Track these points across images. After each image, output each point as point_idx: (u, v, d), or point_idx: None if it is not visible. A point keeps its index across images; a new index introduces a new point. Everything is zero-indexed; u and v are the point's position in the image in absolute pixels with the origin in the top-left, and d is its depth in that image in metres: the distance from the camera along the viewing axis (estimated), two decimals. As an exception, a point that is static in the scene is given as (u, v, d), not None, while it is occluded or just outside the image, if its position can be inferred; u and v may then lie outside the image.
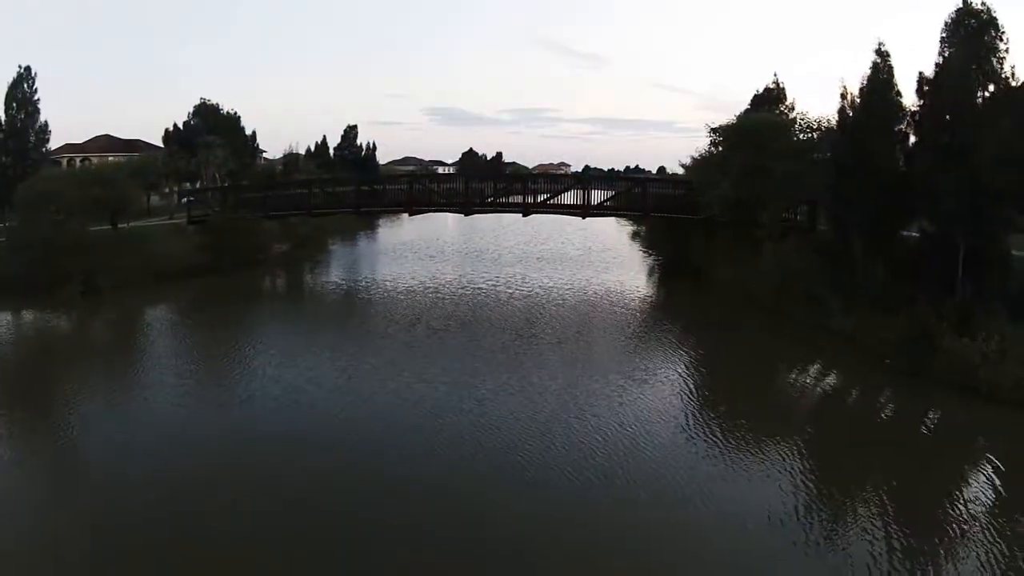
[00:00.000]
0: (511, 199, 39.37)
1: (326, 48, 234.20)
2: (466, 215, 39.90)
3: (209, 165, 48.88)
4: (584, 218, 38.43)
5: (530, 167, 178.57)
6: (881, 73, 25.82)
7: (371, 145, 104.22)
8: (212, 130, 60.09)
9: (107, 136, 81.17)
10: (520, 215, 38.88)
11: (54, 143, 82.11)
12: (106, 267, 32.99)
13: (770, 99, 59.19)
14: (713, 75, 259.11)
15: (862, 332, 23.41)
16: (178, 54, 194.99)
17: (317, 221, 46.84)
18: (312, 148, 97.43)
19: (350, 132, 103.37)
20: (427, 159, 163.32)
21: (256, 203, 40.82)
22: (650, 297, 33.96)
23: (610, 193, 37.70)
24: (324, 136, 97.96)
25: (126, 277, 33.27)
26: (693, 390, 19.73)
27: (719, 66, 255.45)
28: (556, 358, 22.22)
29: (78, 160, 72.82)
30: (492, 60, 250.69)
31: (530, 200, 37.72)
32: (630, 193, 37.43)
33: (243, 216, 40.40)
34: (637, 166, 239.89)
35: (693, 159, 48.35)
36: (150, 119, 67.42)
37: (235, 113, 63.44)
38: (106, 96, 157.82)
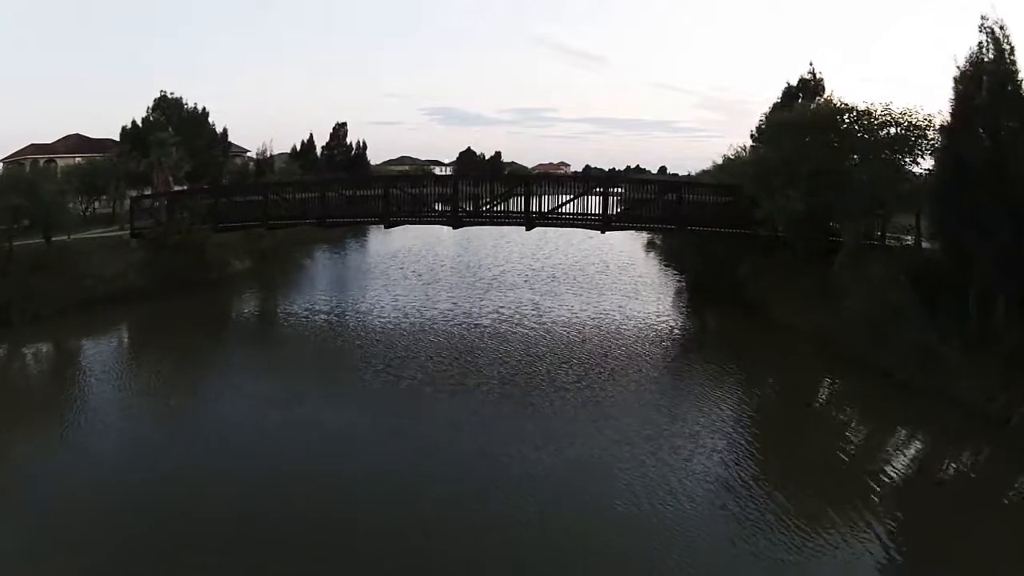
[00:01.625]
0: (511, 206, 31.54)
1: (323, 46, 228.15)
2: (455, 228, 32.72)
3: (161, 167, 41.95)
4: (603, 232, 31.21)
5: (529, 167, 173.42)
6: (1007, 53, 19.38)
7: (361, 144, 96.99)
8: (176, 127, 53.57)
9: (77, 135, 74.96)
10: (522, 227, 31.62)
11: (20, 143, 76.11)
12: (24, 292, 26.72)
13: (807, 91, 53.22)
14: (712, 75, 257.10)
15: (1004, 406, 16.66)
16: (164, 50, 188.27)
17: (287, 231, 40.24)
18: (297, 147, 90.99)
19: (339, 130, 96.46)
20: (424, 159, 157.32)
21: (204, 211, 34.01)
22: (697, 340, 26.30)
23: (633, 198, 30.63)
24: (311, 134, 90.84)
25: (47, 304, 26.94)
26: (770, 490, 13.41)
27: (718, 66, 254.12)
28: (589, 436, 15.74)
29: (42, 162, 67.12)
30: (491, 59, 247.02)
31: (534, 208, 30.46)
32: (660, 200, 30.26)
33: (188, 227, 33.80)
34: (638, 166, 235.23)
35: (728, 159, 41.57)
36: (130, 118, 62.12)
37: (201, 108, 56.74)
38: (84, 93, 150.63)
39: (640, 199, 30.52)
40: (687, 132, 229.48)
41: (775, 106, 55.65)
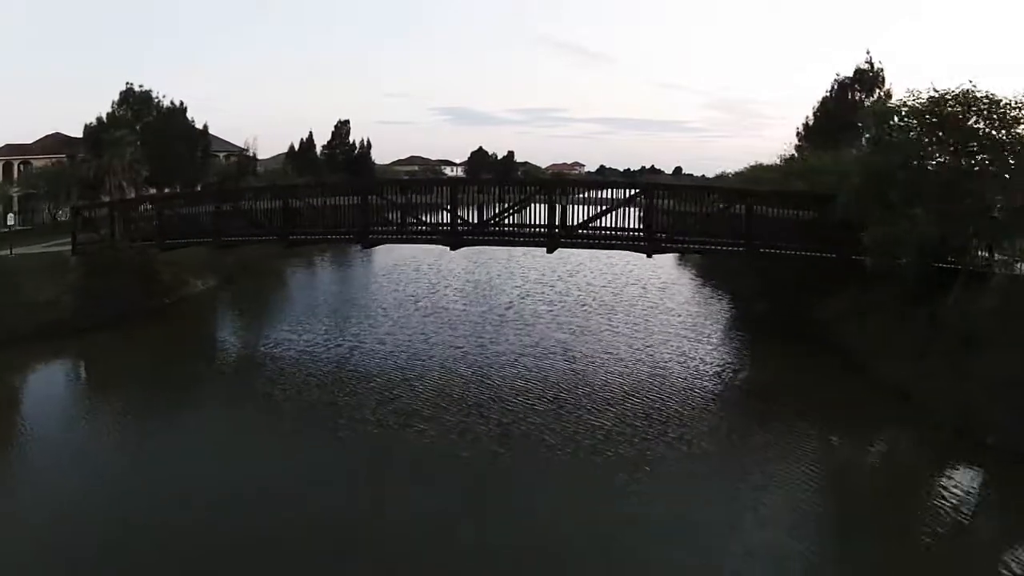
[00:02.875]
0: (526, 216, 24.05)
1: (329, 45, 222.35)
2: (453, 248, 25.26)
3: (113, 171, 35.55)
4: (650, 255, 24.08)
5: (543, 167, 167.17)
6: None
7: (365, 143, 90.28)
8: (147, 124, 47.41)
9: (56, 134, 68.80)
10: (541, 247, 24.13)
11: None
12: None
13: (864, 83, 47.51)
14: (719, 75, 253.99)
15: None
16: (163, 50, 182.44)
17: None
18: (296, 146, 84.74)
19: (341, 128, 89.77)
20: (434, 159, 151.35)
21: (149, 224, 27.82)
22: (780, 408, 18.32)
23: (686, 210, 23.40)
24: (310, 132, 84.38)
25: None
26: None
27: (725, 66, 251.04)
28: None
29: (16, 163, 61.42)
30: (500, 59, 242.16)
31: (558, 222, 23.30)
32: (724, 214, 22.92)
33: (130, 244, 27.77)
34: (652, 166, 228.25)
35: (787, 159, 34.98)
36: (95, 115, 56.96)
37: (178, 103, 50.32)
38: (83, 94, 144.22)
39: (695, 212, 23.14)
40: (697, 132, 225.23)
41: (824, 100, 50.21)
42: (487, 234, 23.53)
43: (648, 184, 25.23)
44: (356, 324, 26.75)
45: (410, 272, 38.19)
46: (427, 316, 27.77)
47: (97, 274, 27.90)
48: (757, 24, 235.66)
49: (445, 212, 24.31)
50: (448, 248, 24.32)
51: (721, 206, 22.58)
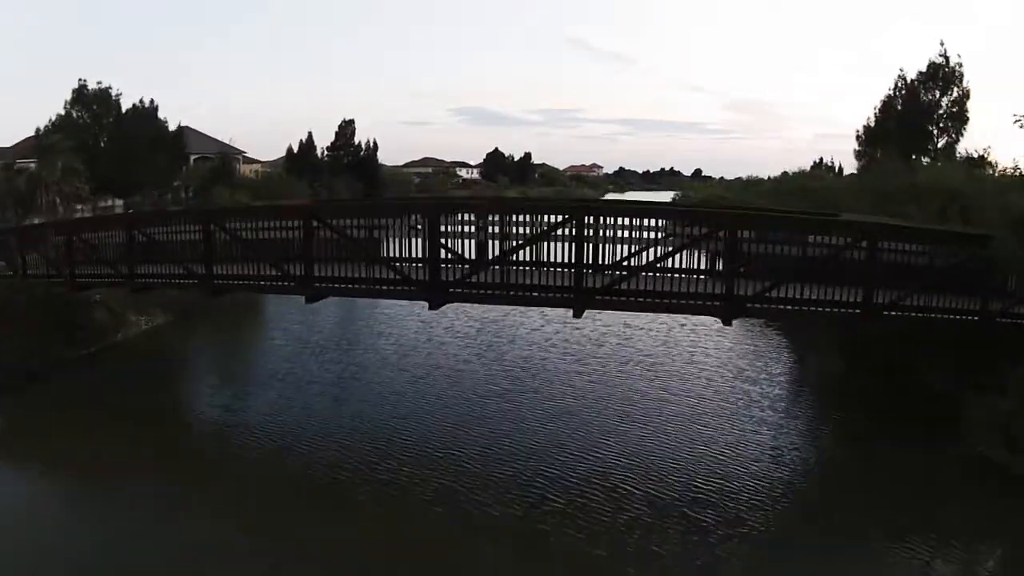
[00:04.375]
0: (541, 251, 16.53)
1: (345, 45, 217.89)
2: (433, 307, 17.90)
3: (45, 184, 29.52)
4: (728, 322, 16.32)
5: (560, 168, 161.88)
6: None
7: (371, 144, 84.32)
8: (109, 127, 41.63)
9: (35, 138, 63.64)
10: (565, 307, 16.69)
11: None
12: None
13: (936, 80, 41.50)
14: (738, 77, 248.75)
15: None
16: (165, 51, 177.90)
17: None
18: (295, 148, 79.24)
19: (346, 128, 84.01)
20: (449, 160, 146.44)
21: (56, 254, 21.70)
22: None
23: (778, 252, 16.34)
24: (310, 132, 78.49)
25: None
26: None
27: (743, 68, 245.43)
28: None
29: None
30: (519, 59, 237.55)
31: (582, 262, 15.65)
32: (835, 258, 14.87)
33: (34, 282, 21.97)
34: (672, 168, 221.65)
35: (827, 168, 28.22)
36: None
37: (149, 102, 44.33)
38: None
39: (789, 254, 15.47)
40: (714, 134, 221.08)
41: (888, 99, 46.44)
42: (484, 286, 16.41)
43: (730, 213, 17.49)
44: (323, 390, 20.23)
45: (399, 312, 30.88)
46: (416, 380, 21.07)
47: (3, 318, 22.05)
48: (768, 25, 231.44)
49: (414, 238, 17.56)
50: (427, 305, 17.44)
51: (844, 242, 15.20)
